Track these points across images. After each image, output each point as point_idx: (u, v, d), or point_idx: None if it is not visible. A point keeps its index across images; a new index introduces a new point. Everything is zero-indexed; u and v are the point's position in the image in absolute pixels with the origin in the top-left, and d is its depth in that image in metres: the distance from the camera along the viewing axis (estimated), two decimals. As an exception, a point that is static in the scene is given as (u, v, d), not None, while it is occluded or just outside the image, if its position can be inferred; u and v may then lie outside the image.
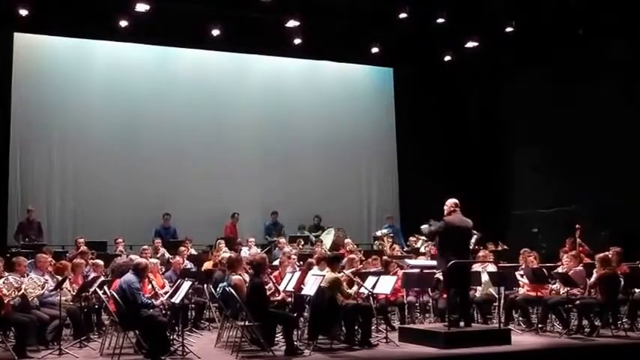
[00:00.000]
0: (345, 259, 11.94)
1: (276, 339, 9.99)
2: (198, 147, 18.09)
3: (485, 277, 11.77)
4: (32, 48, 17.04)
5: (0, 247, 13.85)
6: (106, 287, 10.18)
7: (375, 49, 18.47)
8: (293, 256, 13.11)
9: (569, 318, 11.20)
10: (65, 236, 16.39)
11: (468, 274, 10.81)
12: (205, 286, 11.98)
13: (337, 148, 19.46)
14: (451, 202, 10.63)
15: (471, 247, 11.06)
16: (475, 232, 11.05)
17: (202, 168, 17.99)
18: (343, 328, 10.28)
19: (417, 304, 12.14)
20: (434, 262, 11.69)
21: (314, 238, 16.81)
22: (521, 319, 11.87)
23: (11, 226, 16.04)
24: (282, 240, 15.56)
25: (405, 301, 11.69)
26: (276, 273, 11.57)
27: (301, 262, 12.58)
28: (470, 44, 18.01)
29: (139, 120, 17.77)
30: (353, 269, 11.42)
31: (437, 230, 10.48)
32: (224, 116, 18.49)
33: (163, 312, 9.77)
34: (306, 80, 19.60)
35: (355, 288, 10.56)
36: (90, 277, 10.87)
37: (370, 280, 10.64)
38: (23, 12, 15.43)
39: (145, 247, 13.69)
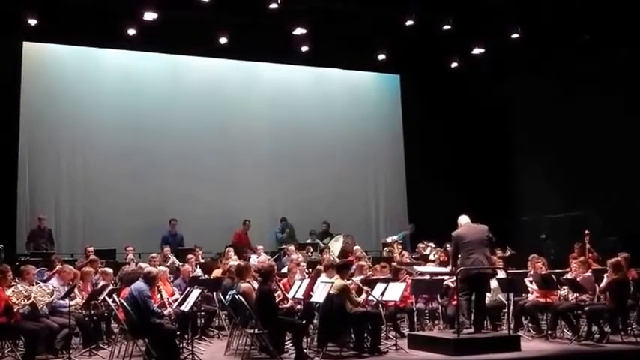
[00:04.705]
0: (354, 266, 11.94)
1: (286, 346, 9.99)
2: (206, 154, 18.12)
3: (494, 284, 11.72)
4: (41, 57, 17.13)
5: (9, 256, 13.86)
6: (115, 295, 10.19)
7: (381, 56, 18.51)
8: (302, 263, 13.11)
9: (578, 324, 11.18)
10: (74, 244, 16.41)
11: (484, 281, 10.77)
12: (214, 293, 11.99)
13: (345, 155, 19.50)
14: (459, 219, 10.87)
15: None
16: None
17: (211, 176, 18.01)
18: (352, 335, 10.26)
19: (426, 311, 12.12)
20: (443, 269, 11.70)
21: (322, 245, 16.81)
22: (530, 325, 11.85)
23: (20, 235, 16.12)
24: (291, 247, 15.56)
25: (415, 308, 11.69)
26: (284, 280, 11.57)
27: (310, 269, 12.57)
28: (476, 51, 18.01)
29: (148, 128, 17.82)
30: (362, 276, 11.42)
31: (452, 247, 10.71)
32: (232, 124, 18.53)
33: (172, 320, 9.78)
34: (314, 87, 19.65)
35: (364, 295, 10.55)
36: (99, 285, 10.89)
37: (379, 287, 10.64)
38: (32, 21, 15.50)
39: (154, 254, 13.71)
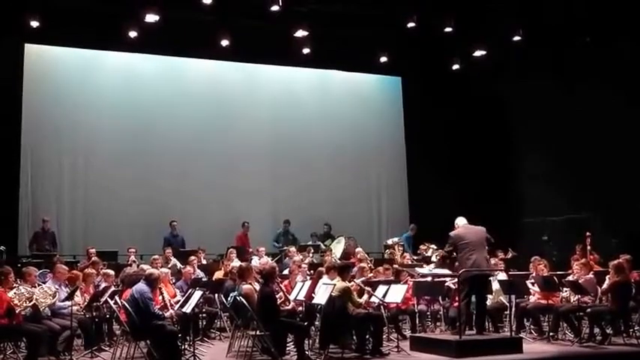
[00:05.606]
0: (356, 268, 11.91)
1: (288, 348, 9.98)
2: (208, 157, 18.14)
3: (496, 286, 11.73)
4: (43, 59, 17.16)
5: (11, 257, 13.86)
6: (117, 297, 10.19)
7: (383, 59, 18.49)
8: (303, 265, 13.10)
9: (580, 326, 11.16)
10: (76, 246, 16.42)
11: (485, 282, 10.74)
12: (216, 295, 12.01)
13: (347, 157, 19.52)
14: (457, 220, 10.80)
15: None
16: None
17: (213, 178, 18.04)
18: (354, 337, 10.27)
19: (428, 313, 12.13)
20: (444, 271, 11.69)
21: (324, 247, 16.81)
22: (532, 327, 11.84)
23: (22, 236, 16.14)
24: (293, 249, 15.55)
25: (416, 310, 11.69)
26: (286, 282, 11.57)
27: (312, 271, 12.57)
28: (477, 53, 18.01)
29: (149, 130, 17.84)
30: (363, 278, 11.41)
31: (450, 247, 10.63)
32: (234, 126, 18.55)
33: (174, 322, 9.78)
34: (315, 90, 19.66)
35: (365, 297, 10.55)
36: (101, 287, 10.89)
37: (381, 289, 10.63)
38: (34, 23, 15.54)
39: (156, 256, 13.69)
